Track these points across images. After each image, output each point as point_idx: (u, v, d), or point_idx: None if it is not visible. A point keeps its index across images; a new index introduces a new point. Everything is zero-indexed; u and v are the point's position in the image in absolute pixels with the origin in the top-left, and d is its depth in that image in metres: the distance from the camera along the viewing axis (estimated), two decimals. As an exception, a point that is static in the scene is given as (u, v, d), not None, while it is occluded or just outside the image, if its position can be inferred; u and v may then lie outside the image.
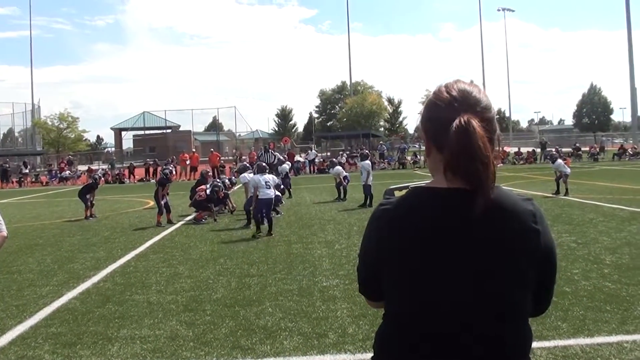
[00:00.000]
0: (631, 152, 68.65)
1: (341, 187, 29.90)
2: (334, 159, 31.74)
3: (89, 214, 26.56)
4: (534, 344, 7.40)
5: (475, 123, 2.49)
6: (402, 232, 2.59)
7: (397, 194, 2.85)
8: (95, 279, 13.57)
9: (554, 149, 66.59)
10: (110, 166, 67.54)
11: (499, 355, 2.55)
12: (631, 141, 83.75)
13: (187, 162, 60.75)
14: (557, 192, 27.83)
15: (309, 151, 70.13)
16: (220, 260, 15.27)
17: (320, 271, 13.35)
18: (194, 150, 67.33)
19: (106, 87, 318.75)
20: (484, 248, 2.52)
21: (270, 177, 20.48)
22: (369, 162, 28.99)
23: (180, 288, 12.34)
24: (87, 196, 26.67)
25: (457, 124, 2.49)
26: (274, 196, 20.15)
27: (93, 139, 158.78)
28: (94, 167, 68.72)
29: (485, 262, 2.52)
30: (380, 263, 2.69)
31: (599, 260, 13.19)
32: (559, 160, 28.79)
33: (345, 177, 30.10)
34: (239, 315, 10.23)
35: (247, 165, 24.94)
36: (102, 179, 34.66)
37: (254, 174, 20.67)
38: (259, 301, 11.07)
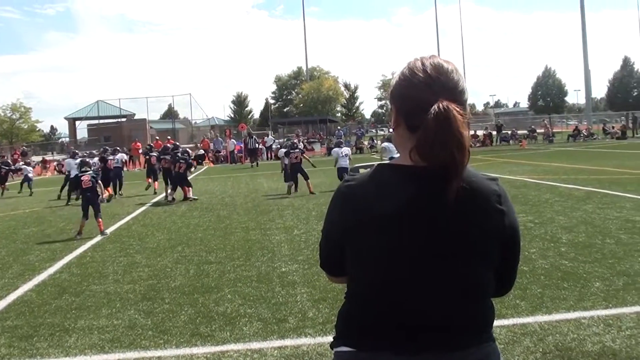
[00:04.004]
0: (585, 134, 69.30)
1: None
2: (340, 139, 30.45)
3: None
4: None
5: (455, 110, 2.47)
6: (368, 209, 2.58)
7: (362, 172, 2.83)
8: (51, 270, 13.46)
9: (509, 131, 67.34)
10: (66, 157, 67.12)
11: (463, 332, 2.58)
12: (585, 122, 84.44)
13: (140, 151, 60.27)
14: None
15: (266, 137, 69.92)
16: (178, 248, 15.22)
17: (279, 257, 13.34)
18: (157, 138, 66.88)
19: (59, 77, 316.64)
20: (450, 227, 2.53)
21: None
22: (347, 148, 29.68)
23: (137, 277, 12.26)
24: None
25: (437, 110, 2.47)
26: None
27: (47, 130, 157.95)
28: (48, 157, 68.20)
29: (451, 241, 2.53)
30: (344, 239, 2.68)
31: (555, 239, 13.33)
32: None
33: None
34: (197, 302, 10.19)
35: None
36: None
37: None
38: (217, 288, 11.05)
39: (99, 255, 14.91)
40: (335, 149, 28.52)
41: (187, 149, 32.69)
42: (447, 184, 2.46)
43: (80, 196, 19.75)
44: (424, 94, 2.55)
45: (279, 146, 60.77)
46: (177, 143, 35.06)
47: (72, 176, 28.57)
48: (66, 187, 29.89)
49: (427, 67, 2.64)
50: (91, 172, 19.03)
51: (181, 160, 27.40)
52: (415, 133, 2.54)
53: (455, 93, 2.59)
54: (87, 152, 36.35)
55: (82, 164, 20.25)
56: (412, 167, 2.55)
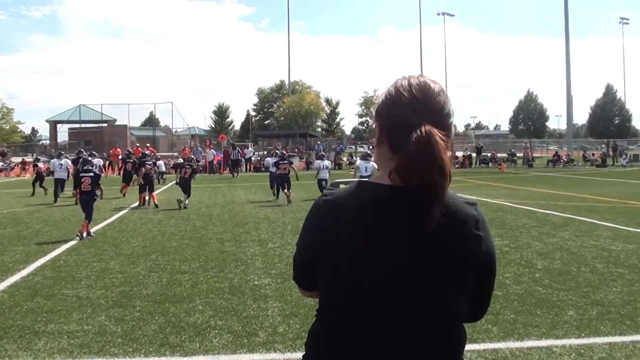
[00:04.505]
0: (565, 160, 69.64)
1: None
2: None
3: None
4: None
5: (437, 135, 2.44)
6: (345, 224, 2.54)
7: (342, 187, 2.81)
8: (24, 272, 13.38)
9: (489, 154, 67.75)
10: (49, 159, 66.88)
11: (435, 356, 2.54)
12: (565, 148, 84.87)
13: (120, 157, 60.06)
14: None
15: (245, 149, 69.78)
16: (152, 256, 15.14)
17: (253, 270, 13.29)
18: (137, 145, 66.76)
19: (42, 79, 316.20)
20: (425, 250, 2.49)
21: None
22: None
23: (110, 283, 12.20)
24: None
25: (419, 134, 2.44)
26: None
27: (28, 131, 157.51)
28: (28, 159, 68.00)
29: (426, 263, 2.49)
30: (318, 253, 2.64)
31: (530, 265, 13.33)
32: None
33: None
34: (168, 312, 10.14)
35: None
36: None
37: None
38: (189, 298, 10.99)
39: (73, 259, 14.82)
40: (317, 161, 32.14)
41: (192, 156, 34.17)
42: (428, 208, 2.43)
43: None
44: (408, 116, 2.52)
45: (259, 158, 61.22)
46: (147, 152, 35.64)
47: (56, 176, 30.96)
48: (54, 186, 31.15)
49: (414, 87, 2.61)
50: (92, 173, 19.50)
51: (186, 166, 28.23)
52: (397, 154, 2.52)
53: (440, 116, 2.57)
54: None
55: (85, 162, 20.48)
56: (391, 186, 2.52)
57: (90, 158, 24.19)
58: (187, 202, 27.40)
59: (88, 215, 18.63)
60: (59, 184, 30.58)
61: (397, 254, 2.48)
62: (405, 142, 2.45)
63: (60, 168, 30.82)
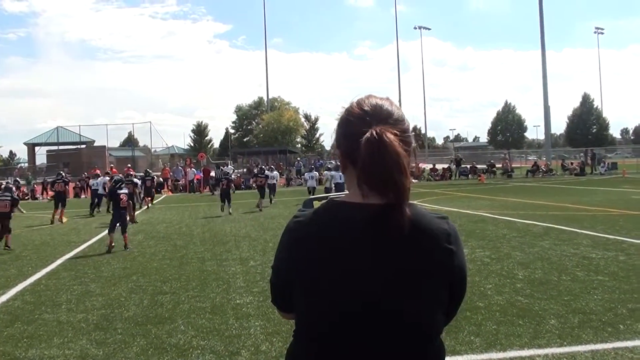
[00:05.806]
0: (544, 169, 69.90)
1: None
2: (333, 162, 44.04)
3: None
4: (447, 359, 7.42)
5: (389, 134, 2.43)
6: (315, 245, 2.54)
7: (316, 204, 2.81)
8: (4, 297, 13.28)
9: (468, 166, 67.98)
10: (26, 182, 66.43)
11: None
12: (544, 158, 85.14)
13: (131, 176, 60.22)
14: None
15: (225, 167, 69.72)
16: (133, 277, 15.02)
17: (234, 288, 13.22)
18: (112, 165, 66.62)
19: (19, 102, 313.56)
20: (397, 266, 2.47)
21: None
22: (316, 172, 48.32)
23: (91, 306, 12.12)
24: None
25: (368, 135, 2.43)
26: None
27: (6, 155, 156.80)
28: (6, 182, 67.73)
29: (400, 281, 2.47)
30: (291, 275, 2.63)
31: (512, 275, 13.33)
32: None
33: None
34: (150, 333, 10.08)
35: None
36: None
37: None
38: (171, 319, 10.93)
39: (53, 283, 14.71)
40: (307, 174, 45.89)
41: (227, 171, 43.34)
42: (390, 215, 2.42)
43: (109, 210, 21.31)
44: (360, 128, 2.51)
45: (239, 175, 61.99)
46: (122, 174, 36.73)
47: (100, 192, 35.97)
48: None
49: (362, 104, 2.64)
50: (126, 190, 21.04)
51: (223, 179, 33.86)
52: (356, 166, 2.52)
53: (388, 121, 2.57)
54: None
55: (117, 181, 21.28)
56: (359, 204, 2.52)
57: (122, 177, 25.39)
58: (230, 209, 32.63)
59: (124, 228, 20.23)
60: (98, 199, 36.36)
61: (368, 273, 2.47)
62: (359, 151, 2.46)
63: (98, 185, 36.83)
